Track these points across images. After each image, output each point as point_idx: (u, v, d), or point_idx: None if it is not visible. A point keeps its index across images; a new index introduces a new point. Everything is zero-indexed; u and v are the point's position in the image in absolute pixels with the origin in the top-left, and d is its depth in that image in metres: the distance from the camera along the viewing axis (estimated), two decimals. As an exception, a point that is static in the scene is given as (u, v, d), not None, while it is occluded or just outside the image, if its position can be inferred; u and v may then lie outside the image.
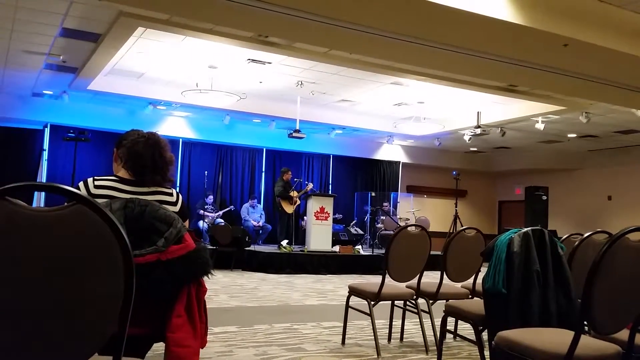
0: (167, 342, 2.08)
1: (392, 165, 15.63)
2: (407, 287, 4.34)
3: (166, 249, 2.05)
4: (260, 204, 13.37)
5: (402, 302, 4.48)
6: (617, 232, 2.02)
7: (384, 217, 13.53)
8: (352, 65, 8.03)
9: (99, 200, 2.03)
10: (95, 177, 2.35)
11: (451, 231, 13.13)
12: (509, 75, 7.41)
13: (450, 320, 3.76)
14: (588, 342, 2.14)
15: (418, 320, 4.29)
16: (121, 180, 2.36)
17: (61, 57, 8.18)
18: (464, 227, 4.34)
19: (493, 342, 2.33)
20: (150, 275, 1.99)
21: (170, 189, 2.50)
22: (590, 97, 8.50)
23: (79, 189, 2.27)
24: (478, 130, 11.23)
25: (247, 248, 10.57)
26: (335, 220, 12.32)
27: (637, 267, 2.15)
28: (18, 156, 11.56)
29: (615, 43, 5.96)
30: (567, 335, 2.08)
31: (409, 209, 14.84)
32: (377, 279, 4.19)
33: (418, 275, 4.26)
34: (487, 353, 3.07)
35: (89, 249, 1.41)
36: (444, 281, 4.18)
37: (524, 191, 15.12)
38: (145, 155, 2.38)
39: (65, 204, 1.40)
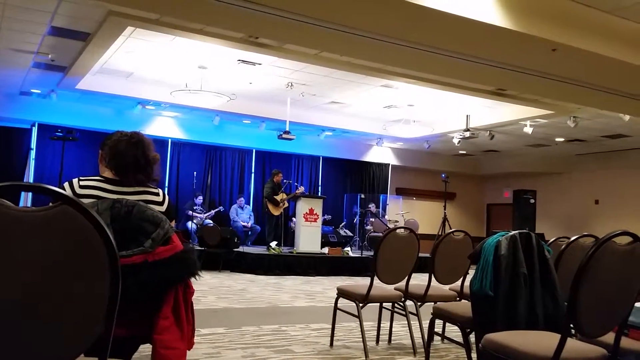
0: (154, 344, 2.07)
1: (382, 167, 15.66)
2: (396, 289, 4.35)
3: (153, 250, 2.04)
4: (249, 205, 13.34)
5: (391, 304, 4.48)
6: (604, 236, 2.04)
7: (373, 219, 13.55)
8: (342, 67, 8.03)
9: (85, 201, 2.02)
10: (81, 178, 2.33)
11: (440, 233, 13.18)
12: (497, 79, 7.46)
13: (438, 323, 3.77)
14: (574, 345, 2.16)
15: (406, 322, 4.30)
16: (106, 180, 2.35)
17: (50, 56, 8.12)
18: (452, 230, 4.36)
19: (480, 345, 2.34)
20: (137, 276, 1.97)
21: (156, 188, 2.48)
22: (578, 102, 8.56)
23: (64, 189, 2.25)
24: (467, 134, 11.28)
25: (235, 249, 10.53)
26: (324, 222, 12.32)
27: (623, 271, 2.16)
28: (5, 155, 11.45)
29: (604, 48, 6.02)
30: (553, 338, 2.09)
31: (398, 211, 14.87)
32: (365, 280, 4.19)
33: (406, 278, 4.27)
34: (474, 355, 3.08)
35: (74, 249, 1.40)
36: (432, 283, 4.20)
37: (512, 194, 15.22)
38: (127, 153, 2.37)
39: (51, 204, 1.39)
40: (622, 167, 13.88)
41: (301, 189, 12.05)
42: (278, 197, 11.64)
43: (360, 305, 4.08)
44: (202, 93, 9.39)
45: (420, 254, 4.31)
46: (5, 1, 6.18)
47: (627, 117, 9.28)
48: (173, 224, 2.38)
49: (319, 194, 13.51)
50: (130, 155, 2.37)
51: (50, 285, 1.38)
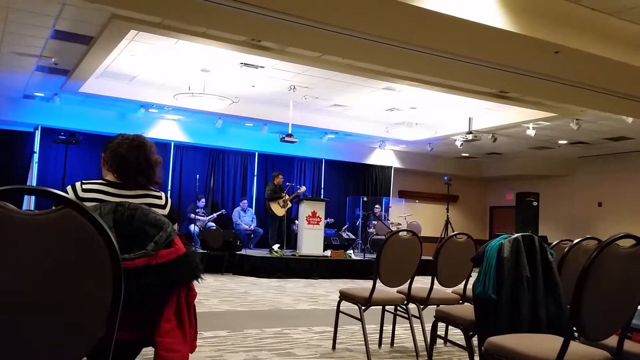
0: (156, 347, 2.07)
1: (384, 170, 15.66)
2: (398, 292, 4.34)
3: (156, 253, 2.04)
4: (252, 207, 13.35)
5: (393, 307, 4.47)
6: (607, 239, 2.03)
7: (376, 222, 13.55)
8: (344, 70, 8.04)
9: (88, 204, 2.02)
10: (84, 181, 2.34)
11: (442, 236, 13.16)
12: (500, 81, 7.45)
13: (441, 326, 3.76)
14: (577, 348, 2.15)
15: (409, 325, 4.29)
16: (109, 183, 2.35)
17: (53, 59, 8.14)
18: (455, 233, 4.36)
19: (483, 348, 2.33)
20: (140, 279, 1.97)
21: (159, 192, 2.49)
22: (581, 104, 8.56)
23: (67, 192, 2.25)
24: (470, 136, 11.28)
25: (238, 252, 10.54)
26: (327, 225, 12.31)
27: (627, 274, 2.16)
28: (8, 158, 11.48)
29: (606, 51, 6.01)
30: (556, 341, 2.08)
31: (401, 214, 14.86)
32: (368, 283, 4.19)
33: (409, 281, 4.26)
34: (477, 358, 3.07)
35: (77, 252, 1.40)
36: (434, 286, 4.19)
37: (514, 197, 15.18)
38: (128, 156, 2.38)
39: (54, 207, 1.39)
40: (625, 169, 13.86)
41: (303, 188, 12.05)
42: (280, 198, 11.65)
43: (363, 308, 4.07)
44: (205, 96, 9.40)
45: (423, 257, 4.30)
46: (9, 5, 6.20)
47: (630, 120, 9.27)
48: (176, 227, 2.39)
49: (322, 197, 13.51)
50: (132, 159, 2.38)
51: (52, 288, 1.38)
